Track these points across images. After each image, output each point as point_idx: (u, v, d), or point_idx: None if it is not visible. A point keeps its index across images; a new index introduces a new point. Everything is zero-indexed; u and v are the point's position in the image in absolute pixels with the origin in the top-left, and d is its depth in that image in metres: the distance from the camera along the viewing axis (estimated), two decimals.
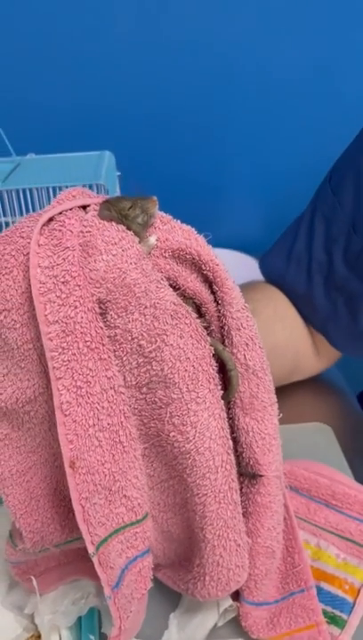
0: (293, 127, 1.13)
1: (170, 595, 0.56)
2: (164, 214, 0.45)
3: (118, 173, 0.90)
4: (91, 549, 0.43)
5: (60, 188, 0.81)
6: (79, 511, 0.42)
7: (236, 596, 0.55)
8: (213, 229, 1.21)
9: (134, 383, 0.45)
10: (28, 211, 0.82)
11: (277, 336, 0.75)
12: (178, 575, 0.54)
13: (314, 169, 0.79)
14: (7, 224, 0.83)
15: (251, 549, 0.51)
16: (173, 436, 0.46)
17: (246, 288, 0.75)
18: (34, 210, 0.81)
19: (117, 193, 0.89)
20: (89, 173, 0.83)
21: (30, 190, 0.81)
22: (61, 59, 1.12)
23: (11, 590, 0.57)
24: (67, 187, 0.80)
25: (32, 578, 0.54)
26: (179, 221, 0.45)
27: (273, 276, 0.80)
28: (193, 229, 0.45)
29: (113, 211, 0.42)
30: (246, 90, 1.14)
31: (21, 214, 0.82)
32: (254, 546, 0.52)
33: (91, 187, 0.80)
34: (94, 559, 0.43)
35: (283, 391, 0.78)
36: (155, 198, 0.43)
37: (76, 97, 1.13)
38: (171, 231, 0.44)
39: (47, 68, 1.12)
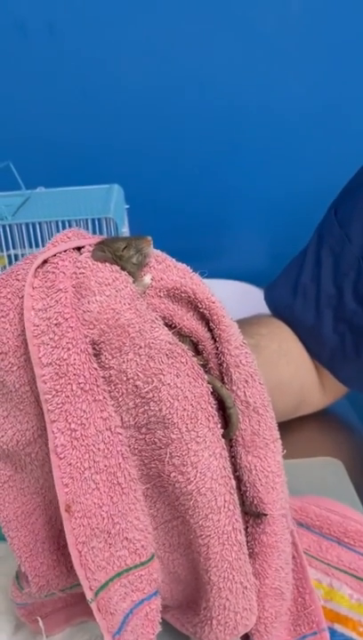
0: (296, 158, 1.13)
1: (179, 637, 0.55)
2: (159, 253, 0.45)
3: (127, 206, 0.91)
4: (89, 595, 0.42)
5: (70, 222, 0.81)
6: (76, 556, 0.42)
7: (246, 639, 0.53)
8: (218, 260, 1.22)
9: (133, 423, 0.44)
10: (37, 244, 0.82)
11: (281, 371, 0.74)
12: (186, 617, 0.52)
13: (318, 199, 0.79)
14: (17, 257, 0.83)
15: (259, 591, 0.50)
16: (174, 477, 0.45)
17: (251, 322, 0.75)
18: (43, 243, 0.82)
19: (126, 226, 0.89)
20: (98, 207, 0.84)
21: (40, 224, 0.82)
22: (70, 93, 1.14)
23: (17, 631, 0.57)
24: (76, 220, 0.81)
25: (38, 619, 0.53)
26: (174, 260, 0.45)
27: (279, 309, 0.79)
28: (188, 268, 0.45)
29: (107, 251, 0.42)
30: (250, 123, 1.16)
31: (31, 248, 0.83)
32: (262, 587, 0.50)
33: (99, 220, 0.80)
34: (93, 605, 0.42)
35: (291, 426, 0.77)
36: (149, 238, 0.43)
37: (85, 131, 1.15)
38: (166, 270, 0.44)
39: (56, 101, 1.14)
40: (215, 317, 0.45)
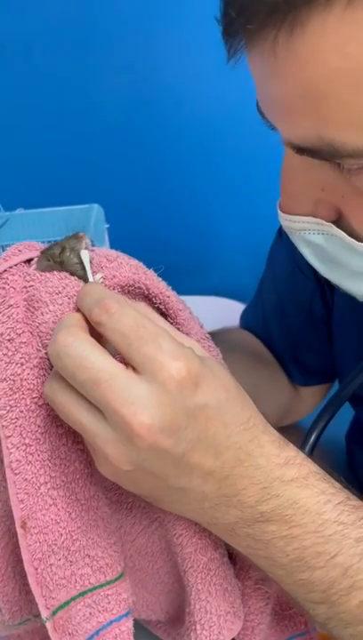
0: (279, 174, 1.13)
1: None
2: (110, 251, 0.45)
3: (107, 225, 0.91)
4: (45, 614, 0.42)
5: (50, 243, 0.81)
6: (32, 573, 0.41)
7: None
8: (201, 277, 1.22)
9: None
10: None
11: (257, 374, 0.74)
12: (176, 630, 0.51)
13: None
14: None
15: (243, 593, 0.49)
16: None
17: (222, 332, 0.76)
18: None
19: (106, 245, 0.89)
20: (77, 227, 0.84)
21: None
22: (48, 114, 1.15)
23: None
24: (55, 241, 0.81)
25: None
26: (127, 257, 0.45)
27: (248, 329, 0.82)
28: (142, 264, 0.45)
29: (50, 259, 0.42)
30: (231, 140, 1.16)
31: None
32: (246, 589, 0.49)
33: None
34: (48, 624, 0.42)
35: None
36: (81, 234, 0.43)
37: (63, 151, 1.15)
38: (118, 268, 0.44)
39: (35, 123, 1.15)
40: (171, 312, 0.45)
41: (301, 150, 0.39)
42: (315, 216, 0.44)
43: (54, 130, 1.15)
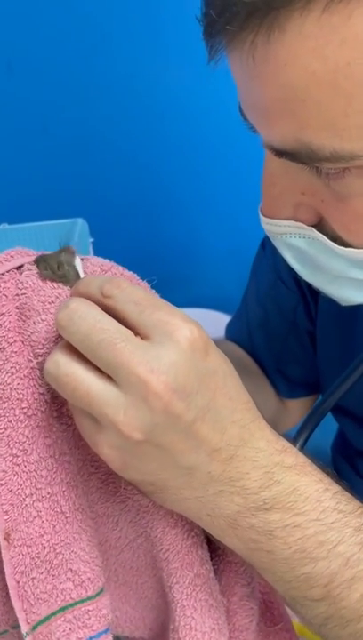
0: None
1: None
2: (105, 262, 0.45)
3: (91, 240, 0.91)
4: (25, 628, 0.41)
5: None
6: (13, 586, 0.41)
7: None
8: (186, 289, 1.22)
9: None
10: None
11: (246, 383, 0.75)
12: None
13: None
14: None
15: (228, 609, 0.48)
16: (131, 490, 0.45)
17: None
18: None
19: None
20: (62, 242, 0.84)
21: None
22: (30, 129, 1.15)
23: None
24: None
25: None
26: (121, 268, 0.45)
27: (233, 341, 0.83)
28: (135, 275, 0.45)
29: (49, 269, 0.42)
30: (215, 150, 1.17)
31: None
32: (231, 605, 0.49)
33: None
34: (28, 639, 0.41)
35: None
36: (72, 248, 0.43)
37: (47, 166, 1.15)
38: None
39: (17, 139, 1.15)
40: None
41: (280, 153, 0.40)
42: (296, 220, 0.45)
43: (37, 144, 1.15)
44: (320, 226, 0.44)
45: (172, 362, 0.37)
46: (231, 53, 0.38)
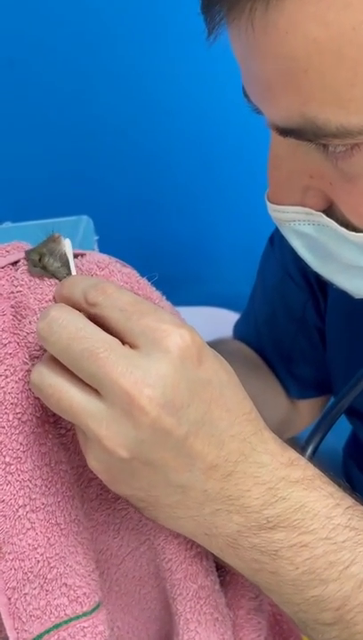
0: None
1: None
2: (102, 257, 0.43)
3: (96, 237, 0.89)
4: None
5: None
6: (4, 603, 0.38)
7: None
8: (195, 287, 1.20)
9: None
10: None
11: (252, 383, 0.73)
12: None
13: None
14: None
15: (234, 623, 0.47)
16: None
17: (216, 342, 0.74)
18: None
19: None
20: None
21: None
22: (33, 126, 1.13)
23: None
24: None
25: None
26: (120, 264, 0.43)
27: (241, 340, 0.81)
28: (134, 272, 0.43)
29: (35, 265, 0.40)
30: (226, 145, 1.15)
31: None
32: (237, 619, 0.47)
33: None
34: None
35: None
36: (56, 235, 0.41)
37: (50, 163, 1.13)
38: (109, 275, 0.42)
39: (20, 135, 1.13)
40: None
41: (285, 132, 0.38)
42: (304, 205, 0.42)
43: (40, 142, 1.13)
44: (330, 211, 0.42)
45: (160, 373, 0.35)
46: (231, 26, 0.36)
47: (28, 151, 1.13)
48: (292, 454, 0.39)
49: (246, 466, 0.37)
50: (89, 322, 0.36)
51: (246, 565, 0.39)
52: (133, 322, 0.36)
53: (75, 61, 1.11)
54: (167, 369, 0.35)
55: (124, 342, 0.36)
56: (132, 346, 0.35)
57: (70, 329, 0.35)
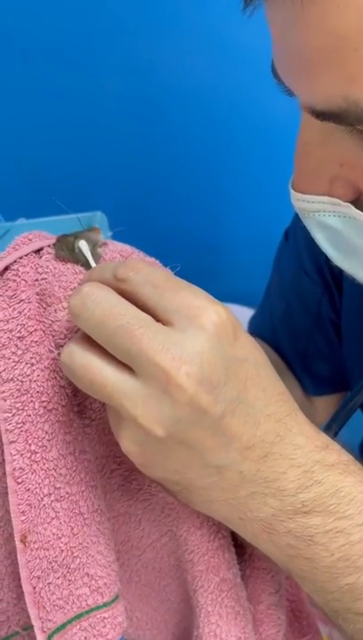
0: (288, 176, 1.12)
1: None
2: (125, 247, 0.42)
3: (110, 233, 0.89)
4: (41, 638, 0.39)
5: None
6: (29, 592, 0.38)
7: None
8: (210, 283, 1.19)
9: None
10: None
11: None
12: None
13: None
14: None
15: (254, 618, 0.46)
16: (156, 487, 0.43)
17: None
18: None
19: None
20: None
21: None
22: (48, 121, 1.13)
23: None
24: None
25: None
26: (142, 253, 0.42)
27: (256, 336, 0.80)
28: (158, 262, 0.42)
29: (65, 249, 0.40)
30: (242, 141, 1.14)
31: None
32: (257, 614, 0.46)
33: None
34: None
35: None
36: (97, 228, 0.41)
37: (65, 159, 1.13)
38: None
39: (34, 131, 1.13)
40: None
41: (323, 116, 0.35)
42: (331, 195, 0.40)
43: (55, 137, 1.13)
44: (358, 203, 0.40)
45: (196, 349, 0.34)
46: None
47: (42, 148, 1.13)
48: (326, 438, 0.38)
49: (281, 447, 0.36)
50: (122, 299, 0.35)
51: (281, 551, 0.38)
52: (167, 298, 0.35)
53: (90, 57, 1.11)
54: (204, 346, 0.34)
55: (157, 320, 0.35)
56: (165, 323, 0.35)
57: (104, 305, 0.34)
